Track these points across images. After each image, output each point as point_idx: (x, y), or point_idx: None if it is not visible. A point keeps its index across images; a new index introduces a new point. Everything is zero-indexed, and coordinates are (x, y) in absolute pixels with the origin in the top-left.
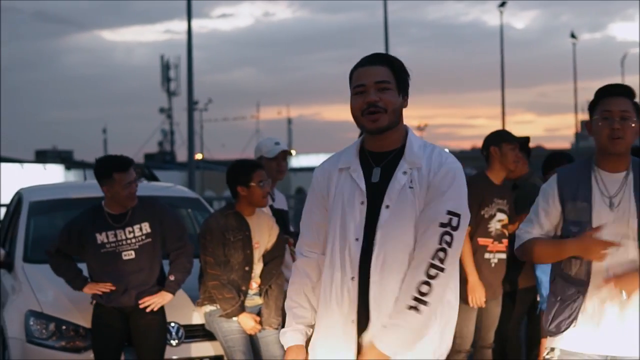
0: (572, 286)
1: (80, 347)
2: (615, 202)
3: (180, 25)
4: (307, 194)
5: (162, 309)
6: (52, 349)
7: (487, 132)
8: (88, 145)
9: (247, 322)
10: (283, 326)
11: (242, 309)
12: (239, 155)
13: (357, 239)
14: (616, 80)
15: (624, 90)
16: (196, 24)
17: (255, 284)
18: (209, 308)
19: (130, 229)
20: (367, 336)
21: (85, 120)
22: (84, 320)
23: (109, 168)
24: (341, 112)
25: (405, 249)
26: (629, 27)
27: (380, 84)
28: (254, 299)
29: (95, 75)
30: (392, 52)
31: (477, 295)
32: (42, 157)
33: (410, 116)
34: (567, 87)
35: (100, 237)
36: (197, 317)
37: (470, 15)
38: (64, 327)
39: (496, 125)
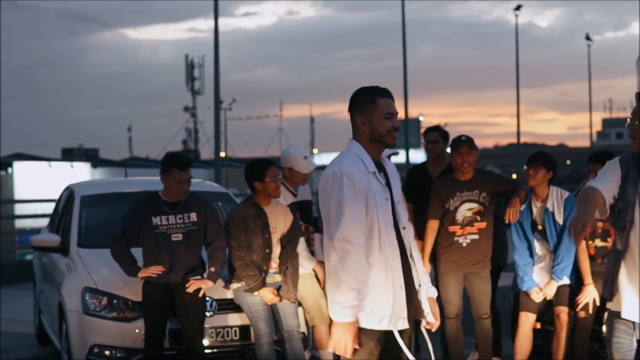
0: (616, 253)
1: (129, 317)
2: None
3: (204, 24)
4: (347, 189)
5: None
6: (105, 319)
7: (510, 130)
8: (114, 144)
9: (266, 295)
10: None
11: (263, 284)
12: (261, 153)
13: (392, 226)
14: (632, 80)
15: None
16: (220, 22)
17: (274, 264)
18: (236, 285)
19: (180, 216)
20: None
21: (110, 118)
22: (133, 294)
23: (170, 163)
24: None
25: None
26: None
27: (397, 114)
28: (274, 277)
29: (120, 74)
30: (416, 50)
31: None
32: (69, 155)
33: (433, 114)
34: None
35: (155, 220)
36: (227, 292)
37: (493, 13)
38: (115, 301)
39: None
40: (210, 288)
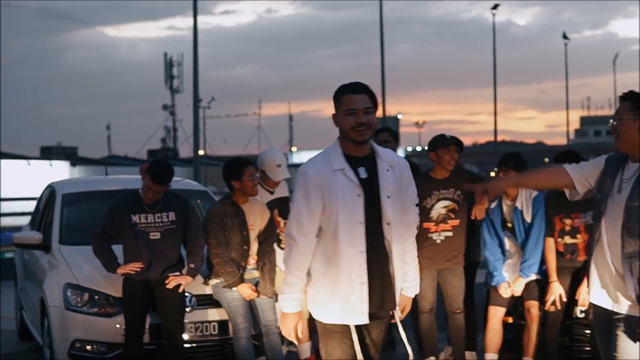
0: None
1: (110, 312)
2: (622, 187)
3: (183, 22)
4: (299, 189)
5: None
6: (86, 315)
7: (488, 128)
8: (92, 142)
9: (244, 290)
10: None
11: (241, 280)
12: (240, 151)
13: (360, 222)
14: (610, 78)
15: (627, 96)
16: (199, 20)
17: (252, 260)
18: (214, 281)
19: (159, 214)
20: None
21: (89, 116)
22: (113, 290)
23: (155, 177)
24: None
25: (400, 225)
26: (630, 24)
27: (366, 109)
28: (252, 273)
29: (98, 72)
30: (394, 48)
31: None
32: (47, 153)
33: (411, 112)
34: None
35: (135, 218)
36: (206, 288)
37: (472, 12)
38: (96, 297)
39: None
40: (189, 284)
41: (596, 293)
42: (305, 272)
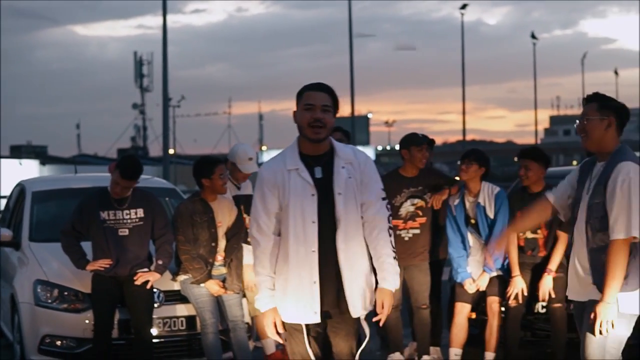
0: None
1: (79, 308)
2: (589, 188)
3: (153, 21)
4: (256, 190)
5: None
6: (56, 310)
7: (458, 127)
8: (62, 141)
9: (212, 287)
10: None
11: (209, 276)
12: (210, 150)
13: (313, 222)
14: (580, 78)
15: (593, 97)
16: (169, 19)
17: (220, 256)
18: (182, 277)
19: (127, 211)
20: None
21: (59, 115)
22: (82, 286)
23: (124, 173)
24: None
25: (356, 221)
26: (600, 24)
27: (324, 107)
28: (219, 269)
29: (68, 70)
30: (364, 47)
31: None
32: (17, 152)
33: (381, 111)
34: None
35: (103, 215)
36: (174, 284)
37: (442, 11)
38: (65, 293)
39: (467, 121)
40: (158, 280)
41: (571, 289)
42: (271, 269)
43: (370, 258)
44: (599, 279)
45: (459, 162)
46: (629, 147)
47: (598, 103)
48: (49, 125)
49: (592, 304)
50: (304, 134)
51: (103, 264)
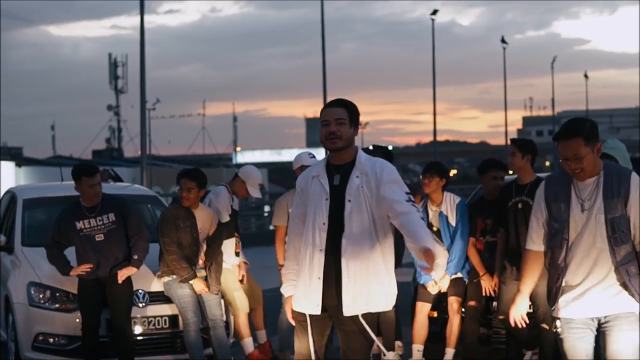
0: (555, 269)
1: (70, 308)
2: (586, 206)
3: (127, 21)
4: (295, 196)
5: (129, 279)
6: (48, 310)
7: (432, 128)
8: (37, 142)
9: (198, 284)
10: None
11: (195, 275)
12: (185, 151)
13: (324, 224)
14: (547, 79)
15: (574, 132)
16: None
17: (201, 260)
18: (166, 279)
19: (100, 217)
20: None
21: (34, 115)
22: (73, 287)
23: (79, 173)
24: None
25: (363, 227)
26: (573, 25)
27: (338, 120)
28: (200, 272)
29: (42, 71)
30: (338, 48)
31: None
32: None
33: None
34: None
35: (79, 224)
36: (158, 285)
37: (416, 12)
38: (57, 294)
39: (440, 122)
40: (142, 281)
41: (578, 306)
42: (296, 263)
43: (379, 263)
44: (634, 289)
45: (420, 177)
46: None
47: (583, 138)
48: (24, 126)
49: (626, 319)
50: (324, 146)
51: (84, 269)
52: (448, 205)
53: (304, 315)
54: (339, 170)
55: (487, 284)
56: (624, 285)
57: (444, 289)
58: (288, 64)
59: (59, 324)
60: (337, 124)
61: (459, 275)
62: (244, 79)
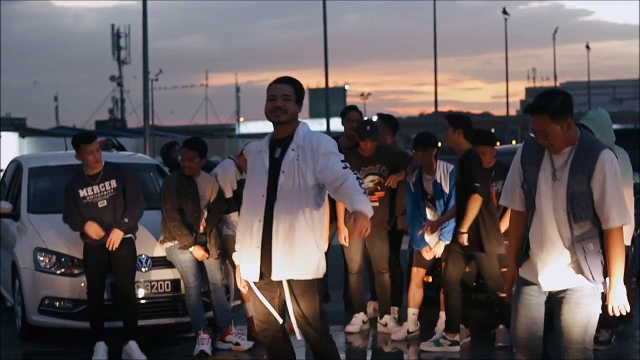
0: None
1: (75, 273)
2: (557, 176)
3: None
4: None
5: (133, 244)
6: (54, 275)
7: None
8: (40, 113)
9: (198, 251)
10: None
11: (195, 242)
12: (187, 122)
13: (263, 196)
14: (551, 50)
15: (540, 108)
16: None
17: (201, 226)
18: (168, 244)
19: (102, 184)
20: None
21: (36, 86)
22: (78, 253)
23: (78, 141)
24: None
25: (294, 198)
26: None
27: (284, 96)
28: (200, 238)
29: (45, 42)
30: (341, 19)
31: (342, 234)
32: None
33: (358, 83)
34: (512, 55)
35: (83, 192)
36: (160, 251)
37: None
38: (63, 259)
39: (443, 93)
40: (145, 246)
41: (533, 273)
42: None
43: (308, 233)
44: (587, 268)
45: (413, 151)
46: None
47: (549, 114)
48: (27, 98)
49: (576, 293)
50: (269, 120)
51: (99, 233)
52: (441, 174)
53: (252, 282)
54: (281, 144)
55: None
56: (577, 262)
57: (439, 254)
58: (290, 35)
59: (64, 288)
60: (283, 99)
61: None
62: (246, 49)
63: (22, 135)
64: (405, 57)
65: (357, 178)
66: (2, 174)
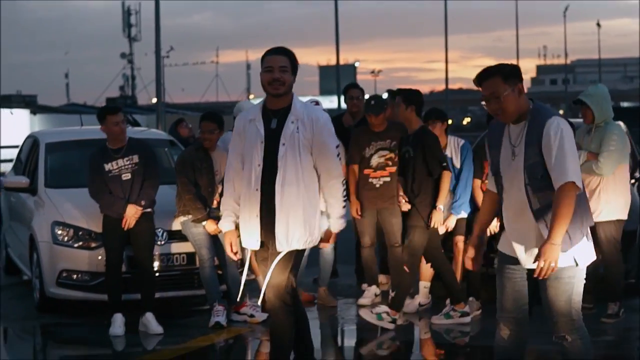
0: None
1: (93, 246)
2: (515, 152)
3: None
4: (232, 136)
5: (151, 218)
6: (72, 248)
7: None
8: (51, 90)
9: (210, 226)
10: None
11: (208, 216)
12: (198, 99)
13: (259, 165)
14: (562, 28)
15: (489, 73)
16: None
17: (215, 201)
18: (183, 218)
19: (126, 158)
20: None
21: (47, 63)
22: (95, 226)
23: (104, 112)
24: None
25: (294, 170)
26: None
27: (281, 67)
28: (215, 212)
29: (55, 18)
30: None
31: (354, 208)
32: (7, 101)
33: (368, 60)
34: (522, 32)
35: (107, 166)
36: (175, 224)
37: None
38: (80, 232)
39: (453, 70)
40: (161, 220)
41: (519, 257)
42: (236, 199)
43: (314, 204)
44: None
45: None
46: (541, 102)
47: (501, 75)
48: (38, 75)
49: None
50: (266, 91)
51: (136, 213)
52: (452, 148)
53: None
54: (276, 115)
55: (492, 225)
56: (542, 238)
57: (451, 228)
58: (301, 11)
59: (82, 261)
60: (280, 71)
61: (464, 215)
62: (256, 26)
63: (33, 112)
64: (416, 35)
65: (343, 182)
66: (17, 150)
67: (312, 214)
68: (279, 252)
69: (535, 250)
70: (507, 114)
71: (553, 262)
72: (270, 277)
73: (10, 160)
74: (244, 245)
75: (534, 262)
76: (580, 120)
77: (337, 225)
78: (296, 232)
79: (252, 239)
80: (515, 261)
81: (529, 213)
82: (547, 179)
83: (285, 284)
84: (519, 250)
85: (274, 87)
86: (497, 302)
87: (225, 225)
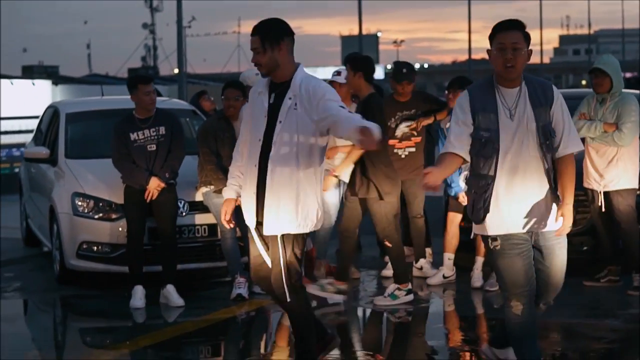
0: (483, 180)
1: (113, 217)
2: (513, 112)
3: None
4: (247, 107)
5: (174, 189)
6: (92, 220)
7: (467, 46)
8: (74, 60)
9: None
10: None
11: None
12: (220, 69)
13: (259, 140)
14: None
15: (515, 25)
16: None
17: None
18: (204, 189)
19: (153, 129)
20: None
21: (69, 34)
22: (116, 197)
23: (135, 81)
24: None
25: (290, 149)
26: None
27: (255, 50)
28: None
29: None
30: None
31: None
32: (29, 72)
33: (391, 30)
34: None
35: (133, 136)
36: (197, 196)
37: None
38: (100, 204)
39: (477, 40)
40: (183, 191)
41: (515, 220)
42: (241, 170)
43: (311, 185)
44: (556, 194)
45: (446, 92)
46: None
47: (522, 33)
48: (59, 45)
49: (553, 235)
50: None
51: (158, 186)
52: None
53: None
54: (276, 89)
55: None
56: (554, 193)
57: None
58: None
59: (102, 233)
60: (255, 53)
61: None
62: None
63: (55, 83)
64: (438, 5)
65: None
66: (38, 120)
67: (308, 195)
68: (274, 236)
69: (546, 212)
70: (516, 70)
71: (570, 223)
72: (272, 266)
73: (32, 131)
74: (246, 222)
75: (555, 222)
76: (579, 90)
77: (372, 125)
78: (286, 215)
79: (249, 218)
80: (520, 236)
81: (538, 173)
82: (553, 140)
83: (288, 270)
84: (528, 215)
85: (258, 70)
86: (505, 282)
87: (227, 192)
